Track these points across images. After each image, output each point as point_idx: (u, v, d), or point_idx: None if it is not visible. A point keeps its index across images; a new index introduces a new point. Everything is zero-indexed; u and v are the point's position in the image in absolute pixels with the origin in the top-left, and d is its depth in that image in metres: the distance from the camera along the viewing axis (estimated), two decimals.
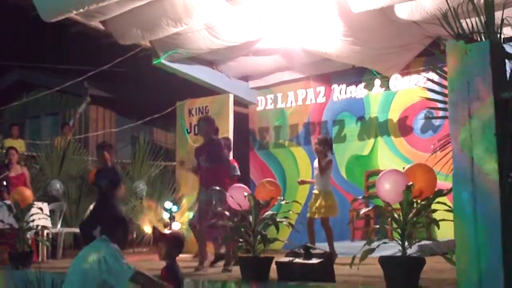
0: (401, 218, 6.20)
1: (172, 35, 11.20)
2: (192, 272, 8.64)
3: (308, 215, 9.94)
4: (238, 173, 11.20)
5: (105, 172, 10.49)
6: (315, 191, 10.12)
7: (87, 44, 16.54)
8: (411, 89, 12.23)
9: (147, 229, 13.84)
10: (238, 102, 14.28)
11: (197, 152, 9.81)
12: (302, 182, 10.75)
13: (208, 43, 11.71)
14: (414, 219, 6.20)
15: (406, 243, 6.17)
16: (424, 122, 12.05)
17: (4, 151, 12.59)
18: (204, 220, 9.23)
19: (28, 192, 10.63)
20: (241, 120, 14.39)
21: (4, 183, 11.58)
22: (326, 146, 10.27)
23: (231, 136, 13.03)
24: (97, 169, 11.02)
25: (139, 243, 14.04)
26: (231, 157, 11.71)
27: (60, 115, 19.06)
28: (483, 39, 5.87)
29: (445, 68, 6.26)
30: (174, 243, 6.50)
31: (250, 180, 14.03)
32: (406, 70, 12.26)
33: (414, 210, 6.20)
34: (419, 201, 6.25)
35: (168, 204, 12.76)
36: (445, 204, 6.12)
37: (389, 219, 6.38)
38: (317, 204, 9.93)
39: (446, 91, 6.46)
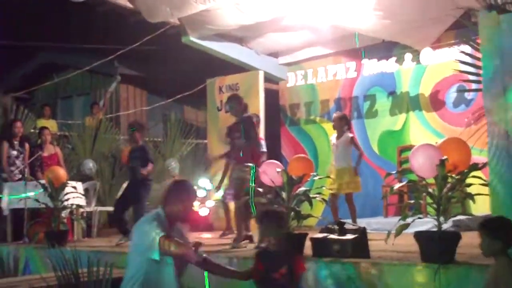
0: (436, 193, 6.16)
1: (201, 12, 11.15)
2: (227, 249, 8.66)
3: (331, 191, 9.93)
4: (264, 149, 11.20)
5: (136, 152, 10.56)
6: (338, 167, 10.13)
7: (116, 23, 16.57)
8: (442, 62, 12.10)
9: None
10: (268, 78, 14.23)
11: (230, 131, 9.79)
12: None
13: (237, 19, 11.67)
14: (449, 193, 6.14)
15: (441, 218, 6.12)
16: (456, 96, 11.94)
17: (37, 131, 12.68)
18: (238, 197, 9.23)
19: (62, 171, 10.72)
20: (271, 97, 14.34)
21: (38, 163, 11.67)
22: (344, 122, 10.28)
23: (261, 113, 13.02)
24: (129, 149, 11.09)
25: None
26: (261, 134, 11.74)
27: (91, 95, 19.18)
28: None
29: (478, 40, 6.19)
30: (281, 219, 5.74)
31: (282, 156, 14.01)
32: (437, 44, 12.10)
33: (449, 185, 6.14)
34: (453, 175, 6.19)
35: (202, 182, 12.86)
36: (480, 178, 6.07)
37: (424, 194, 6.33)
38: (342, 180, 9.95)
39: (478, 64, 6.40)
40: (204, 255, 5.40)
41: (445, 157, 6.12)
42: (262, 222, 5.54)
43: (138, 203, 10.36)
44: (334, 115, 10.72)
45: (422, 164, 6.30)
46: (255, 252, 5.60)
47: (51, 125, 14.50)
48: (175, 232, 5.54)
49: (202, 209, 13.08)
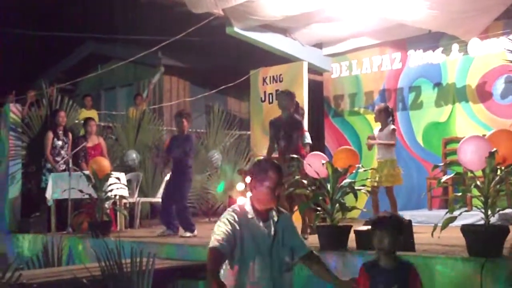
0: (484, 185, 6.04)
1: (245, 2, 11.13)
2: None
3: (372, 184, 9.81)
4: (309, 141, 11.13)
5: (179, 140, 10.52)
6: (380, 160, 10.02)
7: (160, 14, 16.64)
8: (490, 53, 11.92)
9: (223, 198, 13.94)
10: (312, 69, 14.17)
11: (275, 127, 9.68)
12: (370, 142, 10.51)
13: (281, 10, 11.63)
14: (498, 186, 6.03)
15: (489, 212, 6.01)
16: (504, 87, 11.76)
17: (82, 121, 12.75)
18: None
19: (106, 162, 10.76)
20: (315, 88, 14.27)
21: (82, 153, 11.74)
22: (386, 114, 10.18)
23: (305, 104, 12.95)
24: (171, 137, 11.06)
25: (214, 212, 14.13)
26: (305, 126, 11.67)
27: (134, 85, 19.25)
28: None
29: None
30: (401, 227, 4.78)
31: (326, 148, 13.93)
32: (484, 34, 11.91)
33: (497, 178, 6.02)
34: (502, 168, 6.07)
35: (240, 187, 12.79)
36: None
37: (471, 186, 6.21)
38: (383, 173, 9.84)
39: None
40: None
41: (494, 149, 6.00)
42: (378, 229, 4.64)
43: (180, 194, 10.33)
44: (376, 107, 10.60)
45: (471, 156, 6.18)
46: (362, 265, 4.77)
47: (93, 115, 14.57)
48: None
49: (242, 200, 13.04)
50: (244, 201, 4.99)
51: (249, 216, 4.83)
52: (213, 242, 4.71)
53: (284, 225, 4.94)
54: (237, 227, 4.75)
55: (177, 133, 10.84)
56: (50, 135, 11.87)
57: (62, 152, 11.91)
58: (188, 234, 9.95)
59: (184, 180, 10.36)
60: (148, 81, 18.10)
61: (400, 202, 10.45)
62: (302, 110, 11.33)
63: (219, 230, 4.76)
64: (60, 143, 11.95)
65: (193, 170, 10.71)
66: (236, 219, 4.79)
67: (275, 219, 4.92)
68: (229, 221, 4.78)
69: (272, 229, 4.86)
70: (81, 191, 10.32)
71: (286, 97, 9.60)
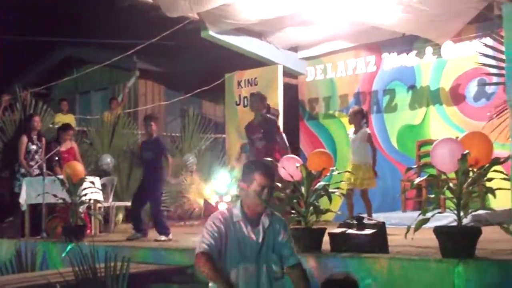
0: (457, 187, 6.08)
1: (220, 6, 11.11)
2: None
3: (347, 187, 9.86)
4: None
5: (149, 144, 10.57)
6: (355, 163, 10.07)
7: (135, 18, 16.57)
8: (463, 56, 11.99)
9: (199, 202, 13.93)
10: (287, 73, 14.19)
11: (249, 130, 9.72)
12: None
13: (256, 13, 11.63)
14: (470, 188, 6.07)
15: (461, 213, 6.05)
16: (477, 90, 11.84)
17: (56, 126, 12.68)
18: None
19: (80, 167, 10.70)
20: (290, 91, 14.29)
21: (56, 158, 11.68)
22: (361, 116, 10.28)
23: (280, 108, 12.97)
24: (141, 142, 11.09)
25: (190, 216, 14.12)
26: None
27: (109, 90, 19.18)
28: None
29: (501, 33, 6.11)
30: None
31: (301, 151, 13.95)
32: (457, 37, 11.99)
33: (469, 179, 6.07)
34: (475, 169, 6.11)
35: (220, 177, 12.85)
36: (501, 172, 6.00)
37: (444, 188, 6.25)
38: (358, 176, 9.90)
39: (500, 56, 6.32)
40: None
41: (467, 151, 6.04)
42: None
43: (153, 198, 10.37)
44: (350, 109, 10.66)
45: (443, 158, 6.21)
46: None
47: (69, 119, 14.53)
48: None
49: (220, 204, 13.07)
50: (235, 205, 4.89)
51: (234, 219, 4.71)
52: (200, 247, 4.63)
53: (276, 231, 4.80)
54: (223, 229, 4.66)
55: (146, 137, 10.87)
56: (24, 139, 11.80)
57: (36, 156, 11.85)
58: (163, 238, 9.95)
59: (157, 181, 10.39)
60: (123, 85, 18.03)
61: (375, 204, 10.52)
62: (277, 112, 11.35)
63: (204, 233, 4.68)
64: (34, 147, 11.88)
65: (165, 171, 10.70)
66: (222, 221, 4.70)
67: (266, 224, 4.77)
68: (214, 223, 4.68)
69: (261, 234, 4.72)
70: (55, 195, 10.26)
71: (256, 99, 9.67)
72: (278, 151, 9.67)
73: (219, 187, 13.08)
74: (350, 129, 10.45)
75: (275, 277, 4.74)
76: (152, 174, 10.43)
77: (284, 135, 10.93)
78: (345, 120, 13.15)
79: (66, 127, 12.20)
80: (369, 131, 10.34)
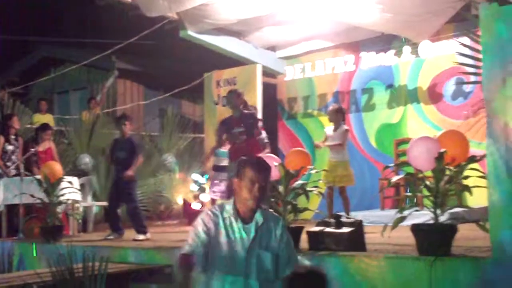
0: (434, 185, 6.11)
1: (199, 6, 11.12)
2: None
3: (326, 184, 9.88)
4: (267, 140, 11.25)
5: (122, 144, 10.56)
6: (333, 160, 10.11)
7: (114, 18, 16.54)
8: (441, 55, 12.06)
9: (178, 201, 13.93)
10: (266, 72, 14.18)
11: (229, 124, 9.68)
12: (318, 146, 10.68)
13: (235, 13, 11.64)
14: (447, 186, 6.10)
15: (438, 211, 6.08)
16: (454, 89, 11.92)
17: (36, 126, 12.63)
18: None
19: (57, 167, 10.65)
20: (269, 90, 14.29)
21: (34, 158, 11.62)
22: (341, 114, 10.37)
23: (259, 107, 12.99)
24: (113, 140, 11.06)
25: (168, 215, 14.10)
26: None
27: (88, 89, 19.11)
28: None
29: (477, 32, 6.15)
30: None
31: (279, 150, 13.96)
32: (436, 37, 12.05)
33: (446, 177, 6.10)
34: (451, 168, 6.15)
35: (196, 176, 12.88)
36: (478, 170, 6.04)
37: (421, 186, 6.28)
38: (336, 173, 9.93)
39: (477, 56, 6.37)
40: None
41: (443, 149, 6.08)
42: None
43: (129, 197, 10.36)
44: (330, 107, 10.68)
45: (420, 157, 6.26)
46: None
47: (48, 119, 14.45)
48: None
49: (195, 204, 13.11)
50: (229, 200, 4.73)
51: (225, 215, 4.57)
52: (184, 247, 4.54)
53: (271, 228, 4.60)
54: (212, 226, 4.53)
55: (119, 136, 10.85)
56: (1, 140, 11.73)
57: (13, 157, 11.78)
58: (141, 237, 9.93)
59: (130, 182, 10.39)
60: (101, 85, 17.98)
61: (353, 202, 10.55)
62: (255, 110, 11.35)
63: (191, 233, 4.58)
64: (11, 148, 11.82)
65: (137, 171, 10.73)
66: (212, 217, 4.57)
67: (260, 221, 4.57)
68: (203, 220, 4.57)
69: (252, 231, 4.54)
70: (32, 196, 10.21)
71: (234, 95, 9.67)
72: (258, 148, 9.66)
73: (194, 187, 13.14)
74: (328, 126, 10.48)
75: (267, 278, 4.52)
76: (124, 175, 10.42)
77: (263, 132, 10.96)
78: (323, 119, 13.18)
79: (45, 127, 12.14)
80: (347, 127, 10.38)
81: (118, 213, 10.54)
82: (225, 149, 10.79)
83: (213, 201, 11.38)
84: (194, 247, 4.51)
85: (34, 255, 9.54)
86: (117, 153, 10.55)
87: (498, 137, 5.43)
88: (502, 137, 5.41)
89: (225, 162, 10.81)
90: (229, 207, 4.62)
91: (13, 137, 11.89)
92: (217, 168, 11.71)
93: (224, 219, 4.58)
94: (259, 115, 12.58)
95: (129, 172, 10.30)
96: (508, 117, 5.38)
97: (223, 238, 4.53)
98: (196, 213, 12.81)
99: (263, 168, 4.62)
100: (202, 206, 12.94)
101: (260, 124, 10.40)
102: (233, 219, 4.57)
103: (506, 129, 5.38)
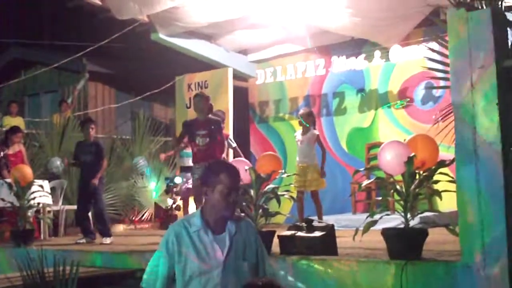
0: (404, 189, 6.16)
1: (170, 9, 11.10)
2: None
3: (297, 189, 9.89)
4: (234, 144, 11.31)
5: (87, 147, 10.57)
6: (303, 164, 10.14)
7: (85, 20, 16.47)
8: (411, 60, 12.15)
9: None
10: (237, 76, 14.20)
11: (194, 125, 9.66)
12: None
13: (206, 16, 11.66)
14: (417, 190, 6.15)
15: (408, 215, 6.13)
16: (424, 93, 12.02)
17: (4, 128, 12.54)
18: (198, 199, 9.13)
19: (28, 170, 10.58)
20: (240, 94, 14.32)
21: (4, 161, 11.53)
22: (313, 118, 10.45)
23: (230, 110, 13.01)
24: (76, 144, 11.06)
25: (140, 219, 14.06)
26: (228, 131, 11.86)
27: (59, 92, 19.00)
28: (484, 7, 5.79)
29: (446, 37, 6.21)
30: None
31: (251, 153, 13.98)
32: (406, 41, 12.16)
33: (416, 182, 6.15)
34: (421, 172, 6.20)
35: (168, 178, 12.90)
36: (447, 175, 6.10)
37: (391, 191, 6.33)
38: (307, 178, 9.96)
39: (446, 61, 6.42)
40: None
41: (413, 154, 6.14)
42: None
43: (96, 199, 10.36)
44: (302, 111, 10.70)
45: (390, 161, 6.31)
46: None
47: (19, 122, 14.34)
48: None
49: (167, 205, 13.13)
50: (193, 213, 4.40)
51: (193, 229, 4.18)
52: (143, 279, 4.29)
53: (245, 236, 4.28)
54: (175, 248, 4.14)
55: (83, 140, 10.84)
56: None
57: None
58: (108, 240, 9.96)
59: (98, 183, 10.38)
60: (72, 88, 17.87)
61: (325, 206, 10.59)
62: (223, 115, 11.35)
63: (149, 263, 4.26)
64: None
65: (108, 174, 10.76)
66: (173, 238, 4.17)
67: (233, 230, 4.23)
68: (165, 244, 4.19)
69: (227, 242, 4.18)
70: (2, 199, 10.16)
71: (201, 100, 9.65)
72: (220, 152, 9.66)
73: (163, 189, 13.17)
74: (298, 130, 10.51)
75: None
76: (92, 177, 10.40)
77: (229, 139, 10.99)
78: (294, 122, 13.20)
79: (15, 130, 12.08)
80: (317, 133, 10.42)
81: (88, 216, 10.54)
82: (189, 150, 10.82)
83: (184, 199, 11.46)
84: (147, 284, 4.24)
85: (5, 259, 9.48)
86: (83, 156, 10.56)
87: (466, 142, 5.50)
88: (470, 142, 5.47)
89: (189, 163, 10.79)
90: (196, 219, 4.23)
91: None
92: (182, 169, 11.87)
93: (191, 235, 4.19)
94: (231, 119, 12.63)
95: (95, 181, 10.32)
96: (475, 122, 5.45)
97: (192, 256, 4.14)
98: (167, 217, 12.89)
99: (236, 172, 4.28)
100: (174, 202, 12.94)
101: (223, 131, 10.40)
102: (203, 232, 4.19)
103: (474, 134, 5.45)
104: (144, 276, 4.27)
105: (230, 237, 4.21)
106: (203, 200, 4.30)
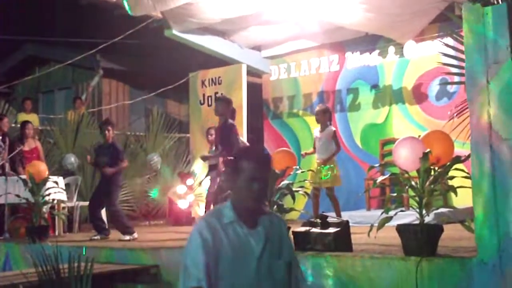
0: (419, 185, 6.14)
1: (184, 5, 11.10)
2: None
3: (313, 185, 9.88)
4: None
5: (105, 149, 10.59)
6: (319, 161, 10.11)
7: (99, 16, 16.48)
8: (425, 56, 12.10)
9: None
10: (251, 72, 14.20)
11: (215, 134, 9.73)
12: (306, 154, 10.65)
13: (220, 12, 11.65)
14: (432, 186, 6.13)
15: (423, 211, 6.11)
16: (439, 89, 11.97)
17: (19, 125, 12.57)
18: (219, 195, 9.15)
19: (43, 166, 10.62)
20: (254, 90, 14.31)
21: (19, 157, 11.56)
22: (329, 115, 10.42)
23: (244, 107, 13.00)
24: (97, 146, 11.11)
25: (155, 215, 14.09)
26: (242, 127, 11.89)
27: (73, 89, 19.03)
28: (500, 2, 5.75)
29: (461, 33, 6.18)
30: None
31: (265, 150, 13.96)
32: (420, 37, 12.11)
33: (431, 178, 6.13)
34: (436, 168, 6.18)
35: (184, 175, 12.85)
36: (462, 171, 6.06)
37: (406, 187, 6.31)
38: (322, 174, 9.94)
39: (461, 56, 6.39)
40: None
41: (428, 150, 6.11)
42: None
43: (108, 200, 10.37)
44: (317, 108, 10.66)
45: (405, 157, 6.28)
46: None
47: (33, 119, 14.37)
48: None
49: (181, 202, 13.11)
50: (224, 204, 3.87)
51: (226, 221, 3.72)
52: (189, 280, 3.63)
53: (279, 232, 3.85)
54: (210, 241, 3.64)
55: (102, 142, 10.88)
56: None
57: None
58: (127, 237, 9.93)
59: (111, 185, 10.43)
60: (87, 84, 17.91)
61: (340, 202, 10.55)
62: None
63: (188, 261, 3.66)
64: None
65: (121, 176, 10.74)
66: (209, 229, 3.68)
67: (267, 224, 3.81)
68: (198, 234, 3.67)
69: (263, 237, 3.75)
70: (18, 195, 10.18)
71: (222, 103, 9.63)
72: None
73: (182, 187, 13.14)
74: (316, 128, 10.48)
75: None
76: (107, 178, 10.44)
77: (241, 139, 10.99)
78: (308, 119, 13.24)
79: (24, 123, 12.12)
80: (333, 129, 10.40)
81: (99, 214, 10.56)
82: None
83: (208, 203, 11.12)
84: (198, 281, 3.61)
85: (20, 255, 9.51)
86: (100, 158, 10.60)
87: (482, 137, 5.47)
88: (485, 137, 5.44)
89: (213, 161, 10.79)
90: (228, 210, 3.78)
91: (0, 137, 11.83)
92: (209, 168, 11.83)
93: (225, 227, 3.73)
94: (244, 115, 12.64)
95: (110, 170, 10.34)
96: (490, 118, 5.42)
97: (226, 250, 3.68)
98: (181, 213, 12.90)
99: (264, 160, 3.83)
100: (189, 205, 12.96)
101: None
102: (236, 225, 3.74)
103: (490, 129, 5.42)
104: (188, 272, 3.65)
105: (265, 231, 3.78)
106: (231, 189, 3.89)
